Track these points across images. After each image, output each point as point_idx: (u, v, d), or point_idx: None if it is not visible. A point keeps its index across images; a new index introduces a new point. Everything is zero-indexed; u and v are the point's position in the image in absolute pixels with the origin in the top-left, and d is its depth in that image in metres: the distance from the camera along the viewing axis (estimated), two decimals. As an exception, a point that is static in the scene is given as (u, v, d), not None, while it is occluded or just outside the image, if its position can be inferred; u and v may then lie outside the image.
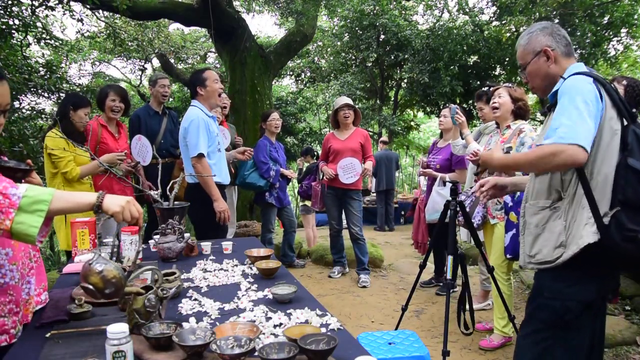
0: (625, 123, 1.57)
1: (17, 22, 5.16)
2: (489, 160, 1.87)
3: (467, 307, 2.68)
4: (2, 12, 4.93)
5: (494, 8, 10.26)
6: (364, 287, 4.38)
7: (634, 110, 2.86)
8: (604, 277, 1.62)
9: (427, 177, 4.23)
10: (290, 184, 5.37)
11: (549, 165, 1.57)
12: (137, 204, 1.40)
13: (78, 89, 6.39)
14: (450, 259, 2.63)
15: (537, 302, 1.70)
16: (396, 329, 3.04)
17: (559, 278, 1.62)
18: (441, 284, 4.34)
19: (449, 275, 2.64)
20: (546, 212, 1.66)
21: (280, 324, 1.42)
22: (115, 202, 1.34)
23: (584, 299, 1.59)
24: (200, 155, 2.99)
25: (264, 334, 1.34)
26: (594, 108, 1.53)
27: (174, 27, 11.69)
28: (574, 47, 8.98)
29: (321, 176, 4.57)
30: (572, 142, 1.48)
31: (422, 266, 3.01)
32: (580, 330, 1.62)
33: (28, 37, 5.63)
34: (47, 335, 1.34)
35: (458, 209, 2.79)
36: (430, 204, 3.96)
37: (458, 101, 10.72)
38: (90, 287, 1.29)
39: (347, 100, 4.48)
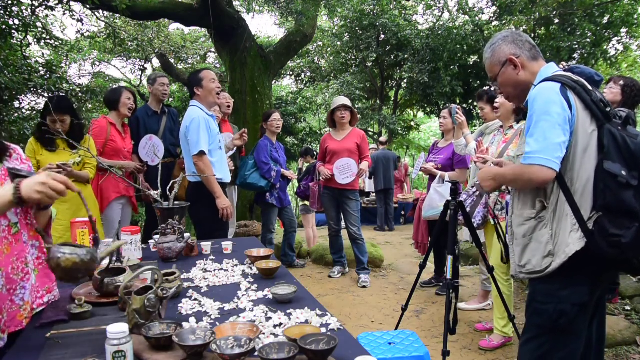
0: (600, 124, 1.55)
1: (17, 22, 5.17)
2: (486, 176, 1.85)
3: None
4: (2, 12, 4.93)
5: (494, 8, 10.27)
6: (364, 287, 4.38)
7: (622, 110, 2.86)
8: (597, 278, 1.60)
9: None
10: (290, 184, 5.37)
11: (523, 185, 1.69)
12: (56, 174, 1.30)
13: (78, 89, 6.41)
14: (450, 258, 2.63)
15: (532, 307, 1.69)
16: (396, 329, 3.04)
17: (551, 282, 1.61)
18: (441, 284, 4.34)
19: (448, 275, 2.64)
20: (532, 222, 1.65)
21: (280, 324, 1.42)
22: (32, 188, 1.25)
23: (578, 301, 1.58)
24: (202, 153, 3.00)
25: (264, 334, 1.34)
26: (559, 118, 1.54)
27: (174, 27, 11.70)
28: (574, 46, 9.02)
29: (318, 176, 4.58)
30: (536, 162, 1.56)
31: (422, 266, 3.01)
32: (577, 334, 1.61)
33: (28, 37, 5.63)
34: (47, 335, 1.34)
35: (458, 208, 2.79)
36: (427, 201, 3.95)
37: (458, 101, 10.73)
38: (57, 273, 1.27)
39: (344, 101, 4.47)
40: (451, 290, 2.59)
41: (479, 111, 3.75)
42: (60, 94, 5.08)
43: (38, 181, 1.26)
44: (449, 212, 2.78)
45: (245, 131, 4.00)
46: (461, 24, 10.67)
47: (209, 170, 3.01)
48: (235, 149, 4.17)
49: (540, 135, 1.56)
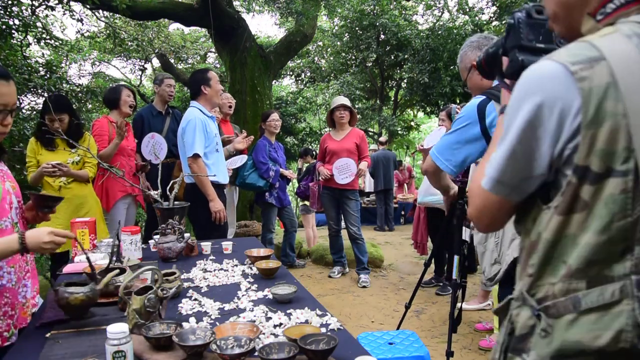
0: None
1: (17, 22, 5.16)
2: None
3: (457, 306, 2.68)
4: (2, 12, 4.92)
5: (494, 8, 10.27)
6: (364, 287, 4.38)
7: None
8: None
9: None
10: (290, 184, 5.38)
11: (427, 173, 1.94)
12: (58, 230, 1.40)
13: (78, 89, 6.40)
14: (456, 258, 2.62)
15: None
16: (398, 328, 3.04)
17: (506, 287, 1.65)
18: (441, 284, 4.34)
19: (454, 276, 2.63)
20: None
21: (280, 324, 1.42)
22: (39, 245, 1.35)
23: None
24: (196, 156, 3.00)
25: (264, 334, 1.34)
26: (464, 131, 1.71)
27: (174, 27, 11.70)
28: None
29: (318, 176, 4.58)
30: (434, 159, 1.80)
31: (427, 265, 2.99)
32: None
33: (28, 37, 5.62)
34: (47, 335, 1.34)
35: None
36: (423, 186, 3.90)
37: (458, 101, 10.72)
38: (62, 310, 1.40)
39: (343, 101, 4.47)
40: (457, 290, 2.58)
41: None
42: (58, 93, 5.08)
43: (43, 240, 1.37)
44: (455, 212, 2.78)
45: (250, 137, 3.99)
46: (461, 24, 10.66)
47: (203, 173, 3.01)
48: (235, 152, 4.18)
49: (445, 139, 1.79)
